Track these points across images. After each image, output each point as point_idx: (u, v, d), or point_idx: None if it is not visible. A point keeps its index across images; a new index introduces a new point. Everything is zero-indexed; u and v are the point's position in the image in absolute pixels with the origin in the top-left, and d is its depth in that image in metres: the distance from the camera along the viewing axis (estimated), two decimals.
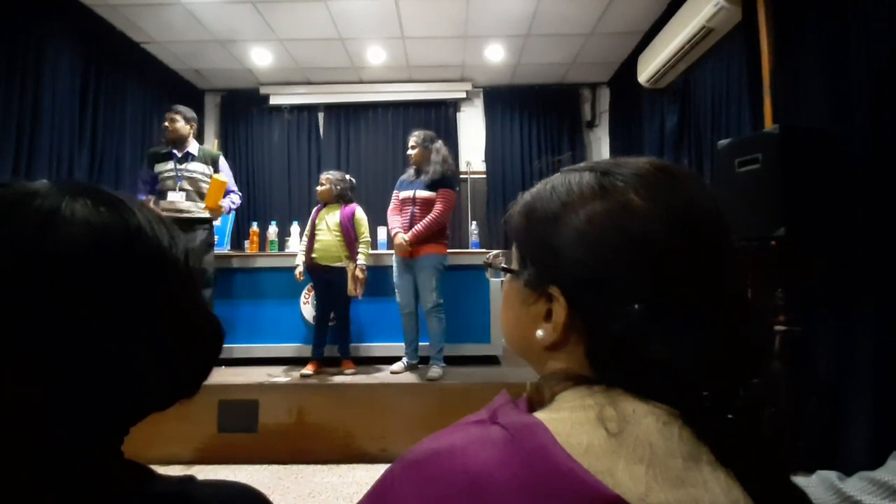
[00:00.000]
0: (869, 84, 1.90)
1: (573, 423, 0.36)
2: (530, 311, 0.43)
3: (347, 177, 3.16)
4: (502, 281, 0.50)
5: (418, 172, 3.00)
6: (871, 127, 1.88)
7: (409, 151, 3.03)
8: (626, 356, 0.37)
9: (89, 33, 3.65)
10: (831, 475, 0.61)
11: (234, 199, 3.14)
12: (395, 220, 3.02)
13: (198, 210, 2.98)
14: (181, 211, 2.92)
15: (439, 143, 3.04)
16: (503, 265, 0.48)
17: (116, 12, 3.72)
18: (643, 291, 0.37)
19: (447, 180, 2.98)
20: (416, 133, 3.05)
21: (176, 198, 2.95)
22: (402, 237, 2.89)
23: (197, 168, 3.01)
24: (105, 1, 3.56)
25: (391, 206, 3.09)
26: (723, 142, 2.19)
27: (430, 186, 2.93)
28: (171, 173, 2.98)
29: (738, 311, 0.39)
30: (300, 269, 3.03)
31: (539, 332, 0.42)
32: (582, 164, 0.45)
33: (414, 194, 2.95)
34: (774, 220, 1.88)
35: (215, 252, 3.32)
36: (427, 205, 2.93)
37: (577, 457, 0.33)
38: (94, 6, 3.63)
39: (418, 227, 2.89)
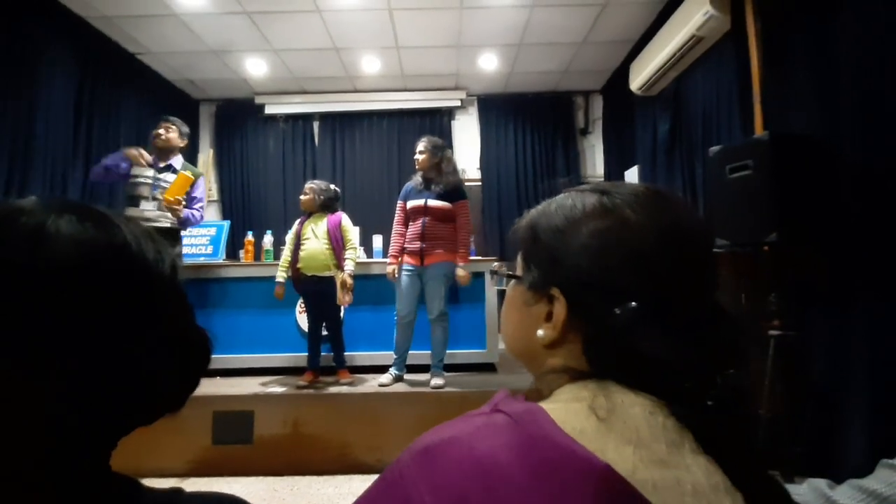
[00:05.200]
0: (857, 90, 1.93)
1: (567, 411, 0.39)
2: (532, 311, 0.47)
3: (332, 186, 3.13)
4: (504, 289, 0.54)
5: (427, 181, 2.93)
6: (860, 132, 1.91)
7: (417, 156, 2.95)
8: (620, 351, 0.40)
9: (84, 44, 3.66)
10: (822, 483, 0.61)
11: (195, 214, 2.99)
12: (398, 239, 2.95)
13: (167, 221, 2.88)
14: (149, 220, 2.80)
15: (449, 153, 3.00)
16: (508, 272, 0.53)
17: (111, 23, 3.73)
18: (636, 294, 0.41)
19: (462, 192, 2.96)
20: (424, 139, 2.98)
21: (148, 207, 2.86)
22: (392, 269, 2.91)
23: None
24: (100, 12, 3.57)
25: (396, 217, 3.02)
26: (714, 148, 2.21)
27: (444, 197, 2.88)
28: (149, 181, 2.88)
29: (717, 314, 0.44)
30: (281, 283, 2.96)
31: (540, 332, 0.46)
32: (584, 186, 0.51)
33: (425, 203, 2.89)
34: (766, 226, 1.90)
35: (209, 262, 3.31)
36: (440, 214, 2.88)
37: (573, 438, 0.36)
38: (90, 17, 3.64)
39: (462, 249, 2.91)
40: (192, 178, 2.93)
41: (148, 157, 2.90)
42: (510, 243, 0.54)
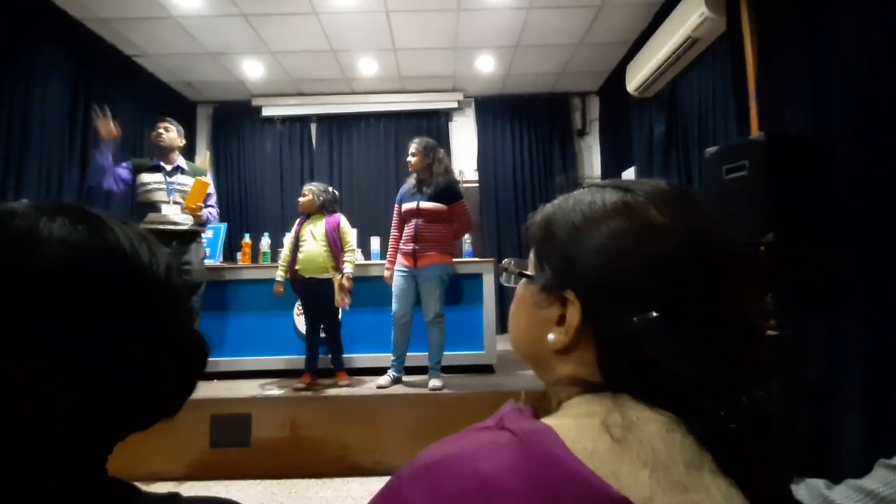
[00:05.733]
0: (853, 90, 1.94)
1: (578, 428, 0.36)
2: (543, 313, 0.44)
3: (331, 189, 3.13)
4: (513, 288, 0.51)
5: (419, 183, 2.94)
6: (854, 133, 1.92)
7: (409, 158, 2.96)
8: (635, 361, 0.38)
9: (80, 47, 3.65)
10: (819, 483, 0.61)
11: (213, 211, 3.07)
12: (393, 244, 2.98)
13: (189, 223, 2.94)
14: (177, 224, 2.87)
15: (441, 153, 2.99)
16: (519, 270, 0.50)
17: (108, 25, 3.72)
18: (656, 301, 0.38)
19: (456, 191, 2.95)
20: (416, 140, 2.99)
21: (170, 210, 2.89)
22: (388, 274, 2.98)
23: (187, 181, 2.96)
24: (96, 14, 3.57)
25: (393, 221, 3.03)
26: (710, 149, 2.22)
27: (436, 198, 2.89)
28: (161, 185, 2.92)
29: (744, 326, 0.40)
30: (280, 282, 2.99)
31: (550, 336, 0.43)
32: (603, 182, 0.47)
33: (417, 205, 2.89)
34: (763, 226, 1.90)
35: (207, 264, 3.29)
36: (433, 215, 2.89)
37: (583, 461, 0.34)
38: (85, 19, 3.63)
39: (457, 237, 3.06)
40: (208, 183, 2.99)
41: (112, 127, 2.79)
42: (525, 239, 0.50)
